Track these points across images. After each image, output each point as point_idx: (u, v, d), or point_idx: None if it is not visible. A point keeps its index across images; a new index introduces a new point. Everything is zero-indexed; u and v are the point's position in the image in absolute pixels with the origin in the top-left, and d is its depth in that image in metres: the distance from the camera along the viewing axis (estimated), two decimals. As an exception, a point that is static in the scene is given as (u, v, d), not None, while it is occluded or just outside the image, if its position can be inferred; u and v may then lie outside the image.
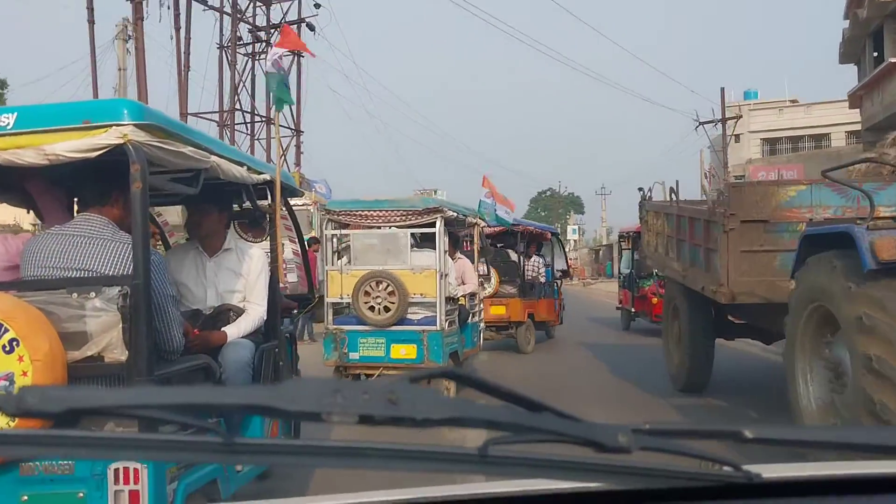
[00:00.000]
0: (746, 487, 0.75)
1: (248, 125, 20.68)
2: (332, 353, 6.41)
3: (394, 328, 6.30)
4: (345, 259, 6.71)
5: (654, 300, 11.14)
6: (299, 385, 0.63)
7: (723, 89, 26.69)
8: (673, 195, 7.19)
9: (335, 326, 6.46)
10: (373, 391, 0.62)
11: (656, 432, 0.70)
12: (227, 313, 3.18)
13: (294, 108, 21.25)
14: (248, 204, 3.49)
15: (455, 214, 6.79)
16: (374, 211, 6.50)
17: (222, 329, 3.09)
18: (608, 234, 61.34)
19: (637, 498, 0.81)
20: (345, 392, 0.62)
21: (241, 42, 20.52)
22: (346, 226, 6.75)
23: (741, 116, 26.66)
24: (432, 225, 6.40)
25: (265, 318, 3.27)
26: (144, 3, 15.78)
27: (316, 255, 10.18)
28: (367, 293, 6.29)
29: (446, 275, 6.49)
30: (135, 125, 2.23)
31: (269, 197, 3.47)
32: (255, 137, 20.73)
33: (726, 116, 26.72)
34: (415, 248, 6.52)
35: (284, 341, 3.53)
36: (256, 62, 20.20)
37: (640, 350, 10.06)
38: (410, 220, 6.45)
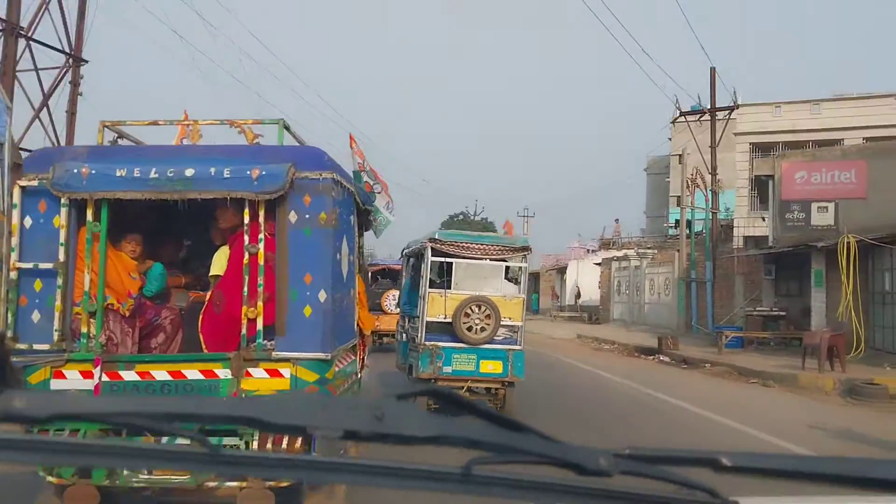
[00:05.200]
0: None
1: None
2: (428, 366, 7.63)
3: (484, 346, 7.69)
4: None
5: None
6: (286, 398, 0.72)
7: (713, 69, 21.55)
8: None
9: (432, 343, 7.65)
10: (359, 407, 0.70)
11: (637, 457, 0.76)
12: None
13: (69, 23, 14.66)
14: None
15: None
16: (477, 244, 7.94)
17: None
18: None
19: None
20: (331, 407, 0.71)
21: None
22: (445, 254, 7.91)
23: (737, 106, 22.21)
24: (520, 260, 8.15)
25: None
26: None
27: None
28: (467, 314, 7.66)
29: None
30: None
31: None
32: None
33: (717, 106, 22.15)
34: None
35: None
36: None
37: None
38: (505, 254, 8.01)
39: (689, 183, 23.90)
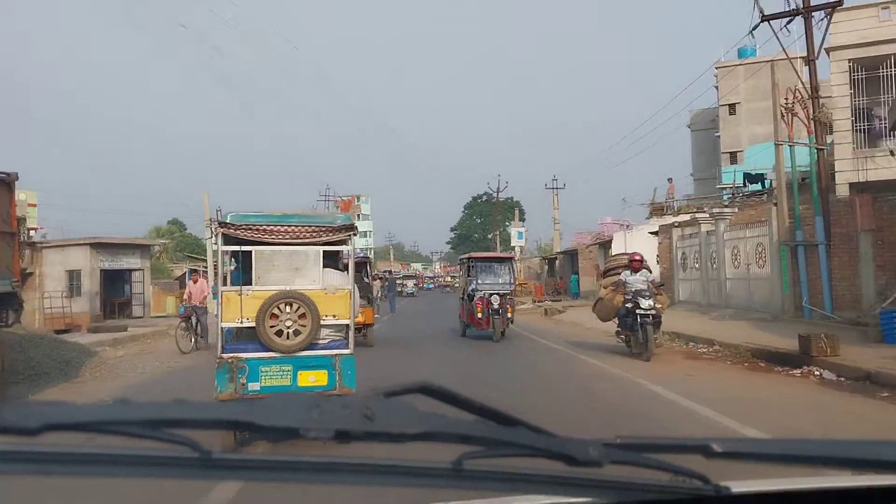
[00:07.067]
0: (716, 500, 0.83)
1: None
2: (228, 384, 6.33)
3: (301, 353, 6.45)
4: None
5: None
6: (277, 401, 0.74)
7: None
8: None
9: (231, 355, 6.41)
10: (349, 406, 0.72)
11: (627, 446, 0.78)
12: None
13: None
14: None
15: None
16: (282, 226, 6.53)
17: None
18: (561, 237, 51.39)
19: None
20: (322, 407, 0.72)
21: None
22: (243, 242, 6.69)
23: (840, 2, 16.21)
24: (342, 242, 6.83)
25: None
26: None
27: None
28: (274, 316, 6.39)
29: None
30: None
31: None
32: None
33: (812, 4, 16.19)
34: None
35: None
36: None
37: None
38: (323, 236, 6.62)
39: (785, 112, 17.61)
